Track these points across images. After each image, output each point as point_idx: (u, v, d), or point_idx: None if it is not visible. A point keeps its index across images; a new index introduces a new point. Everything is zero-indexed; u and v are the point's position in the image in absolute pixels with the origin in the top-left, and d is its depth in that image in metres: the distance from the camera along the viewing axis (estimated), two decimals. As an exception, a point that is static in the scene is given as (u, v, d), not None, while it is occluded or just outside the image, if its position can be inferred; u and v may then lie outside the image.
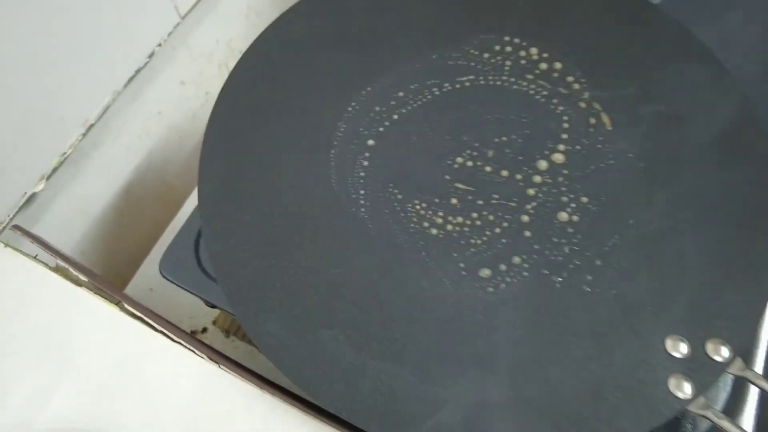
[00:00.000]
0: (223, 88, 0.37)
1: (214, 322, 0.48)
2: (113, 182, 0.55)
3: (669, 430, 0.32)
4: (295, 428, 0.30)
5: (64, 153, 0.45)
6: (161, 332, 0.33)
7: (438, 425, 0.27)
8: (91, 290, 0.34)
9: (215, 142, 0.35)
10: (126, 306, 0.33)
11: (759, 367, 0.34)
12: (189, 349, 0.32)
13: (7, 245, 0.36)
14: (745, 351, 0.33)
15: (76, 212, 0.51)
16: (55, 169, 0.45)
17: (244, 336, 0.47)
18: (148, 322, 0.33)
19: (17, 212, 0.43)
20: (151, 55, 0.50)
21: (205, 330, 0.49)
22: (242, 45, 0.61)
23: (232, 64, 0.39)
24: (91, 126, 0.47)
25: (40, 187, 0.44)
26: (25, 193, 0.43)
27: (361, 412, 0.27)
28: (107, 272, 0.56)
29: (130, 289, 0.51)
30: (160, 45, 0.50)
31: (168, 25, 0.51)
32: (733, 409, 0.32)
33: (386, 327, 0.30)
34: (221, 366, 0.32)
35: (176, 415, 0.31)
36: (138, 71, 0.49)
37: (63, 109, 0.44)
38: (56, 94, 0.43)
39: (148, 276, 0.52)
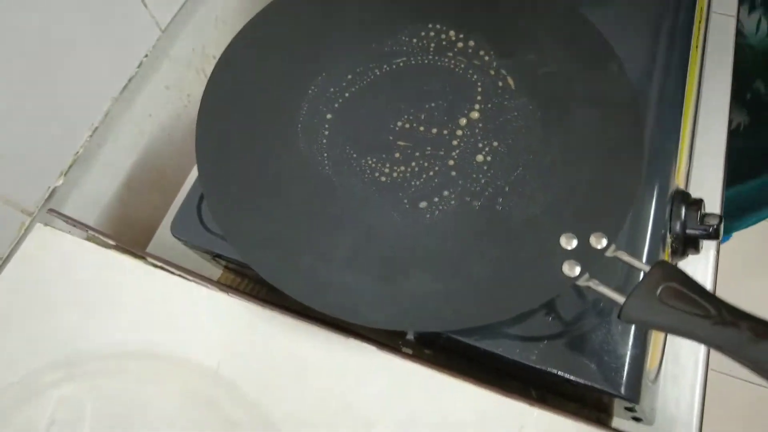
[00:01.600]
0: (208, 83, 0.46)
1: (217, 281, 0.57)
2: (116, 177, 0.64)
3: (572, 308, 0.42)
4: (289, 330, 0.40)
5: (77, 152, 0.54)
6: (179, 275, 0.42)
7: (387, 309, 0.37)
8: (120, 251, 0.44)
9: (207, 125, 0.44)
10: (150, 259, 0.43)
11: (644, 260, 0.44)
12: (201, 284, 0.42)
13: (47, 225, 0.46)
14: (628, 243, 0.43)
15: (89, 204, 0.60)
16: (70, 166, 0.54)
17: (242, 291, 0.57)
18: (168, 269, 0.42)
19: (43, 204, 0.52)
20: (139, 65, 0.59)
21: (209, 290, 0.58)
22: (214, 50, 0.71)
23: (208, 69, 0.48)
24: (96, 129, 0.56)
25: (60, 182, 0.53)
26: (49, 187, 0.52)
27: (333, 304, 0.37)
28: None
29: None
30: (146, 56, 0.60)
31: (152, 38, 0.60)
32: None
33: (349, 248, 0.40)
34: (229, 294, 0.41)
35: (196, 336, 0.40)
36: (130, 79, 0.59)
37: (73, 115, 0.53)
38: (66, 102, 0.52)
39: (155, 251, 0.61)
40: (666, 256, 0.47)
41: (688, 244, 0.48)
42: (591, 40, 0.47)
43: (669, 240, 0.47)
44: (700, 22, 0.60)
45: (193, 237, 0.45)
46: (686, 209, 0.48)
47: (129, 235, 0.66)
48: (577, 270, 0.38)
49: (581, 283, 0.38)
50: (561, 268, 0.39)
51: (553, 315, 0.42)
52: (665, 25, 0.55)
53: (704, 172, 0.57)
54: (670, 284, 0.35)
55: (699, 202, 0.48)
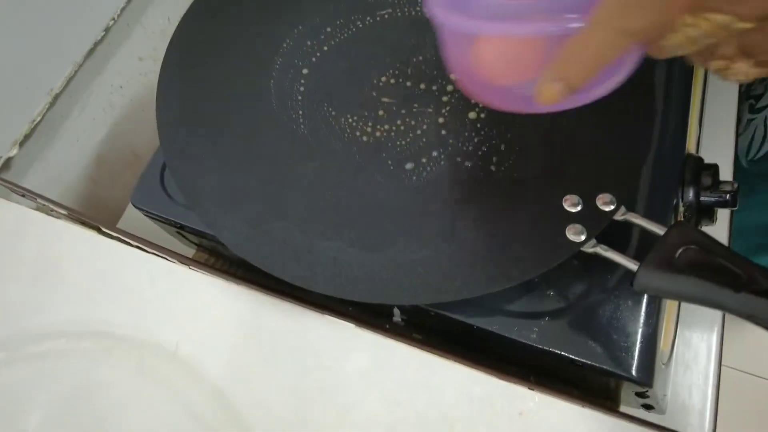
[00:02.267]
0: (173, 35, 0.42)
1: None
2: (84, 152, 0.59)
3: (576, 279, 0.37)
4: (259, 307, 0.35)
5: (34, 120, 0.50)
6: (136, 246, 0.38)
7: (375, 280, 0.33)
8: (71, 220, 0.39)
9: (169, 79, 0.40)
10: (104, 229, 0.38)
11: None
12: (161, 256, 0.37)
13: (-6, 195, 0.41)
14: (630, 201, 0.39)
15: (51, 180, 0.55)
16: (27, 136, 0.50)
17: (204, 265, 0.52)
18: (125, 240, 0.38)
19: (-3, 175, 0.48)
20: (106, 30, 0.55)
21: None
22: (191, 17, 0.65)
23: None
24: (57, 95, 0.51)
25: (14, 151, 0.49)
26: (0, 156, 0.48)
27: (309, 278, 0.33)
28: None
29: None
30: (114, 20, 0.55)
31: (120, 1, 0.55)
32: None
33: (329, 214, 0.35)
34: (191, 267, 0.37)
35: (154, 310, 0.36)
36: (96, 44, 0.54)
37: (27, 76, 0.48)
38: (18, 61, 0.47)
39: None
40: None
41: (702, 214, 0.44)
42: None
43: (682, 209, 0.43)
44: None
45: (155, 207, 0.41)
46: (700, 175, 0.43)
47: (98, 215, 0.62)
48: (583, 235, 0.34)
49: (588, 249, 0.34)
50: (564, 233, 0.34)
51: (555, 289, 0.37)
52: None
53: (715, 140, 0.52)
54: (691, 247, 0.30)
55: (714, 168, 0.44)
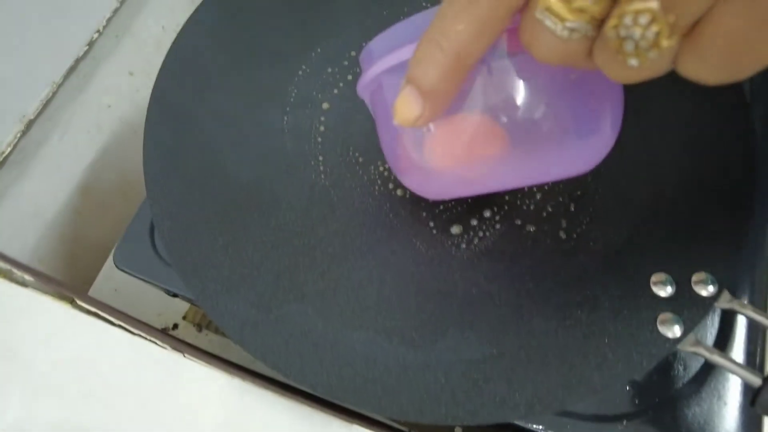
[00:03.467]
0: (164, 61, 0.35)
1: (184, 317, 0.46)
2: (66, 181, 0.52)
3: (660, 373, 0.30)
4: (268, 410, 0.28)
5: (2, 152, 0.42)
6: (119, 326, 0.30)
7: (421, 391, 0.26)
8: (39, 290, 0.32)
9: (159, 116, 0.33)
10: (79, 302, 0.31)
11: (746, 296, 0.33)
12: (150, 341, 0.30)
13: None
14: (731, 282, 0.32)
15: (27, 216, 0.48)
16: (-4, 170, 0.42)
17: (217, 329, 0.45)
18: (104, 317, 0.30)
19: (-42, 219, 0.40)
20: (90, 44, 0.47)
21: (176, 326, 0.46)
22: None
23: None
24: (31, 122, 0.44)
25: (-21, 189, 0.41)
26: (-36, 197, 0.40)
27: (335, 386, 0.26)
28: (70, 276, 0.54)
29: (93, 291, 0.49)
30: (99, 32, 0.48)
31: (105, 10, 0.48)
32: (722, 342, 0.31)
33: (357, 294, 0.28)
34: (186, 355, 0.30)
35: (140, 407, 0.29)
36: (78, 61, 0.47)
37: (-3, 104, 0.41)
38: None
39: (111, 276, 0.49)
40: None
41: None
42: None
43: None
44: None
45: (143, 269, 0.33)
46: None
47: (85, 254, 0.55)
48: (677, 329, 0.27)
49: (687, 348, 0.27)
50: (656, 326, 0.27)
51: (632, 384, 0.30)
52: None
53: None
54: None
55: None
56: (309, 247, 0.29)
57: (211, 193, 0.31)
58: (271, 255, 0.29)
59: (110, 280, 0.49)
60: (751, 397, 0.24)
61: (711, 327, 0.31)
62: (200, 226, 0.30)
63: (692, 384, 0.30)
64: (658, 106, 0.33)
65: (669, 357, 0.31)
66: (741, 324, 0.31)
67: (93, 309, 0.31)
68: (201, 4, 0.37)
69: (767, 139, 0.36)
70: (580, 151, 0.23)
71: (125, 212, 0.56)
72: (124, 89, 0.56)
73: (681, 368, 0.31)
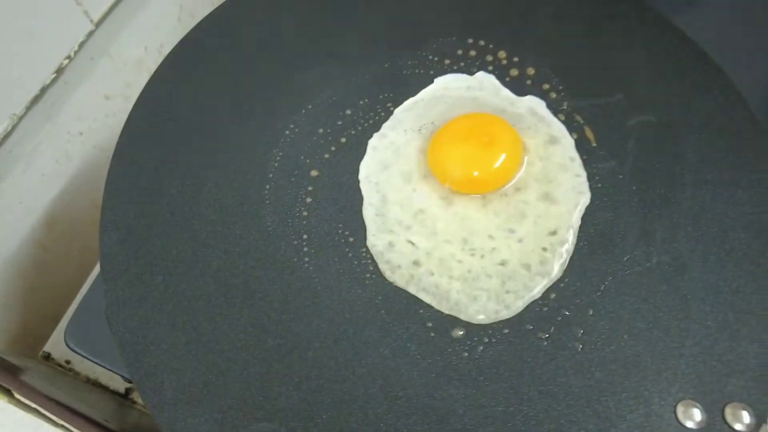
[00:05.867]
0: (128, 118, 0.31)
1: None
2: (30, 214, 0.48)
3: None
4: None
5: (-44, 191, 0.38)
6: (61, 426, 0.26)
7: None
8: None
9: (120, 183, 0.28)
10: (17, 396, 0.27)
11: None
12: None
13: None
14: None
15: (-17, 254, 0.44)
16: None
17: None
18: (45, 414, 0.26)
19: None
20: (59, 70, 0.43)
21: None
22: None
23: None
24: (-11, 156, 0.40)
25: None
26: None
27: None
28: (33, 317, 0.49)
29: (52, 342, 0.44)
30: (69, 58, 0.43)
31: (78, 33, 0.43)
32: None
33: (340, 413, 0.24)
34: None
35: None
36: (44, 89, 0.42)
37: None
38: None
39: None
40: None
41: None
42: (706, 78, 0.32)
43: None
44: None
45: (97, 352, 0.29)
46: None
47: (52, 290, 0.50)
48: (709, 468, 0.23)
49: (720, 497, 0.23)
50: (683, 467, 0.23)
51: None
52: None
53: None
54: None
55: None
56: (285, 351, 0.25)
57: (175, 279, 0.27)
58: (240, 359, 0.25)
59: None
60: None
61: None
62: (160, 319, 0.26)
63: None
64: (698, 204, 0.29)
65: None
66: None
67: (32, 404, 0.26)
68: (175, 48, 0.32)
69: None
70: None
71: (94, 242, 0.52)
72: (99, 114, 0.51)
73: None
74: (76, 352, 0.29)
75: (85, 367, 0.41)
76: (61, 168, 0.49)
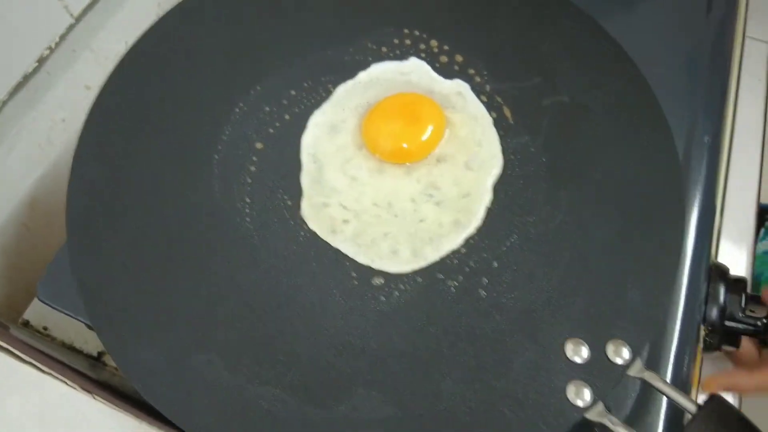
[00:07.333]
0: (99, 93, 0.34)
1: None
2: (13, 195, 0.51)
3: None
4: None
5: (-58, 168, 0.42)
6: (29, 363, 0.30)
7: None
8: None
9: (88, 150, 0.32)
10: (6, 346, 0.30)
11: (668, 371, 0.32)
12: (59, 379, 0.29)
13: None
14: (653, 356, 0.32)
15: (-32, 230, 0.47)
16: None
17: (116, 395, 0.45)
18: (15, 353, 0.30)
19: None
20: (41, 60, 0.46)
21: (110, 351, 0.46)
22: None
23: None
24: (-27, 138, 0.43)
25: None
26: None
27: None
28: (14, 291, 0.53)
29: (31, 310, 0.48)
30: (51, 48, 0.47)
31: (58, 27, 0.47)
32: (638, 415, 0.31)
33: (268, 347, 0.28)
34: (95, 396, 0.29)
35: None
36: (27, 77, 0.46)
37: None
38: None
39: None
40: (698, 353, 0.36)
41: (725, 338, 0.36)
42: (616, 64, 0.36)
43: (702, 332, 0.36)
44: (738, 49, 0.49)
45: (65, 303, 0.33)
46: (726, 292, 0.36)
47: (32, 267, 0.54)
48: (587, 395, 0.27)
49: (593, 417, 0.26)
50: (565, 392, 0.27)
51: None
52: (701, 47, 0.43)
53: (732, 232, 0.45)
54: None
55: (741, 283, 0.37)
56: (224, 296, 0.29)
57: (133, 233, 0.30)
58: (185, 301, 0.29)
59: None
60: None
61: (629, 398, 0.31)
62: (117, 268, 0.29)
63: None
64: (600, 174, 0.33)
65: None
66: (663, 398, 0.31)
67: (4, 344, 0.30)
68: (142, 35, 0.36)
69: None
70: None
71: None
72: (80, 104, 0.55)
73: None
74: (46, 303, 0.33)
75: (61, 332, 0.45)
76: (44, 152, 0.53)
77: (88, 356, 0.45)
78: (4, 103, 0.45)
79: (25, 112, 0.48)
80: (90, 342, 0.46)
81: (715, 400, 0.25)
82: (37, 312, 0.48)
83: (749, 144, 0.50)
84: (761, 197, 0.48)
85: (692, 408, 0.25)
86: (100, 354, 0.46)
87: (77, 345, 0.45)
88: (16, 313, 0.51)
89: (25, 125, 0.49)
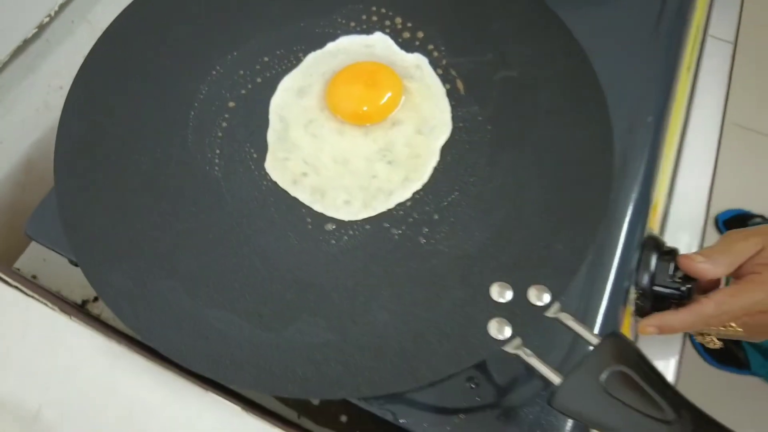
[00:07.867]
0: (91, 50, 0.38)
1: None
2: (10, 156, 0.54)
3: (503, 375, 0.33)
4: (138, 373, 0.31)
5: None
6: (14, 287, 0.33)
7: (266, 366, 0.29)
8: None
9: (77, 100, 0.36)
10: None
11: (597, 325, 0.36)
12: (40, 301, 0.33)
13: None
14: (586, 314, 0.35)
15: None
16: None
17: (89, 316, 0.48)
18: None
19: None
20: (40, 26, 0.50)
21: (96, 299, 0.49)
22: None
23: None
24: (-26, 96, 0.47)
25: None
26: None
27: (188, 354, 0.29)
28: (7, 247, 0.56)
29: (22, 260, 0.51)
30: (50, 16, 0.50)
31: (59, -2, 0.51)
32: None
33: (226, 278, 0.31)
34: (72, 317, 0.33)
35: (20, 365, 0.31)
36: (26, 42, 0.49)
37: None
38: None
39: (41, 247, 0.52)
40: (627, 314, 0.39)
41: (656, 302, 0.40)
42: (562, 44, 0.39)
43: (633, 295, 0.39)
44: (694, 43, 0.52)
45: (51, 238, 0.36)
46: (657, 260, 0.40)
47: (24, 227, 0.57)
48: (507, 331, 0.30)
49: (509, 349, 0.30)
50: (486, 328, 0.30)
51: (475, 381, 0.33)
52: (654, 37, 0.46)
53: (683, 218, 0.48)
54: (621, 368, 0.27)
55: (673, 253, 0.40)
56: (190, 232, 0.32)
57: (113, 175, 0.34)
58: (155, 235, 0.32)
59: (41, 249, 0.52)
60: (547, 396, 0.27)
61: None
62: (97, 204, 0.33)
63: (530, 387, 0.33)
64: (539, 141, 0.36)
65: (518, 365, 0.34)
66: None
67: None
68: (130, 4, 0.40)
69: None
70: None
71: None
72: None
73: (523, 373, 0.34)
74: (32, 238, 0.36)
75: (49, 280, 0.48)
76: (41, 117, 0.56)
77: (74, 304, 0.49)
78: (5, 65, 0.48)
79: (23, 77, 0.52)
80: (75, 291, 0.50)
81: (614, 335, 0.28)
82: (27, 262, 0.52)
83: (708, 141, 0.53)
84: (742, 203, 0.51)
85: (594, 341, 0.28)
86: (84, 302, 0.49)
87: (64, 293, 0.49)
88: (8, 266, 0.55)
89: (23, 89, 0.53)
